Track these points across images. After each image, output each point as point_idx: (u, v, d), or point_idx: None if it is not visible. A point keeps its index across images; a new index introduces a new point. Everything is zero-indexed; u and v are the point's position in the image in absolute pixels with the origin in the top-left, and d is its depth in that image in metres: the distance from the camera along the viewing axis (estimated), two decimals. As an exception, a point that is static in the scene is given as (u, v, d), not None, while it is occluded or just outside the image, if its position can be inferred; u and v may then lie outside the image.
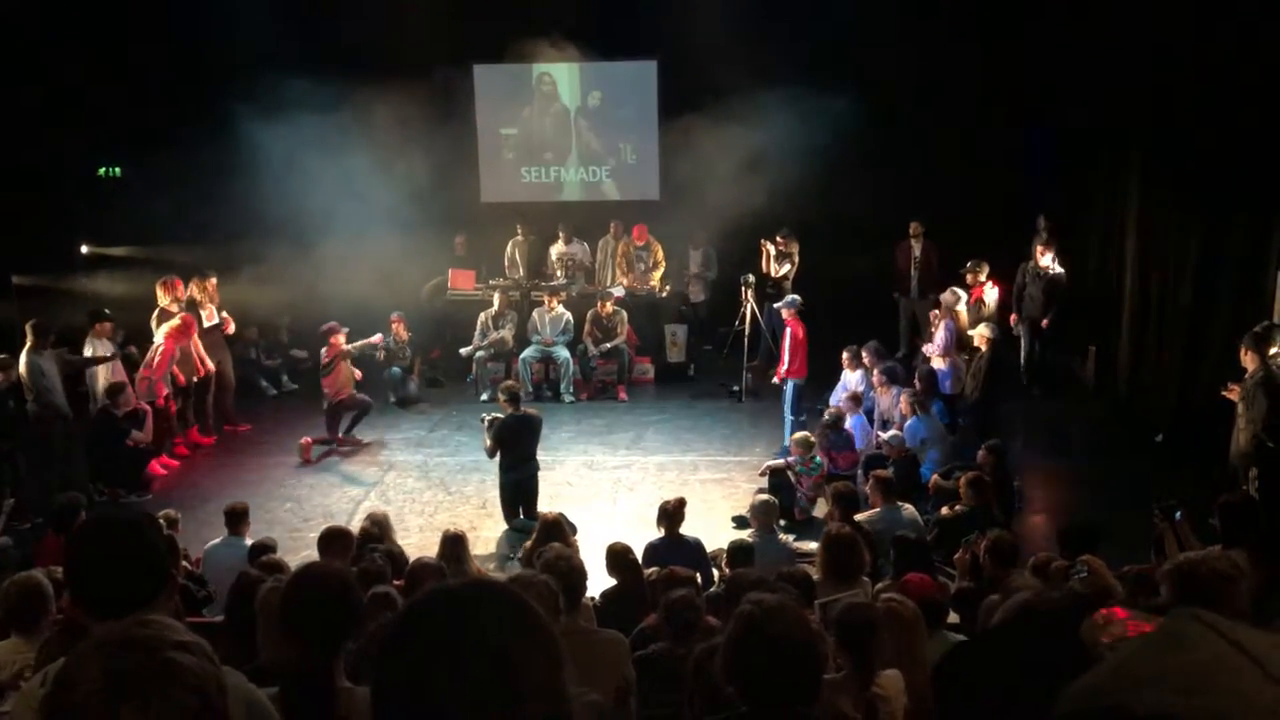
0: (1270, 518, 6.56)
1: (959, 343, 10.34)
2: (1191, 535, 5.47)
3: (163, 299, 10.25)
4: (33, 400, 9.08)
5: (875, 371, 10.21)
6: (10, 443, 8.97)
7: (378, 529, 6.86)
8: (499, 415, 8.81)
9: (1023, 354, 11.71)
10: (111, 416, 9.43)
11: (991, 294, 11.00)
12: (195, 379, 10.63)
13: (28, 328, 9.18)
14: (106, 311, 10.04)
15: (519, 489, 8.71)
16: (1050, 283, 11.38)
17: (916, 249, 12.69)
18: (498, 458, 8.78)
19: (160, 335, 10.04)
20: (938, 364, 10.29)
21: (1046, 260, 11.41)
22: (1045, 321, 11.43)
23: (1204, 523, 5.61)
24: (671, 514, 6.98)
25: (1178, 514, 5.54)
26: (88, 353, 9.80)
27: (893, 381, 10.13)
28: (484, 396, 11.97)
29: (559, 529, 6.66)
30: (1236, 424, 7.67)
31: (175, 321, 10.09)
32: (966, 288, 10.86)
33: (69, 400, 9.51)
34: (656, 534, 7.15)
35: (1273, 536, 5.08)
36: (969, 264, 11.14)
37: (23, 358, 9.05)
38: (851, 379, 10.40)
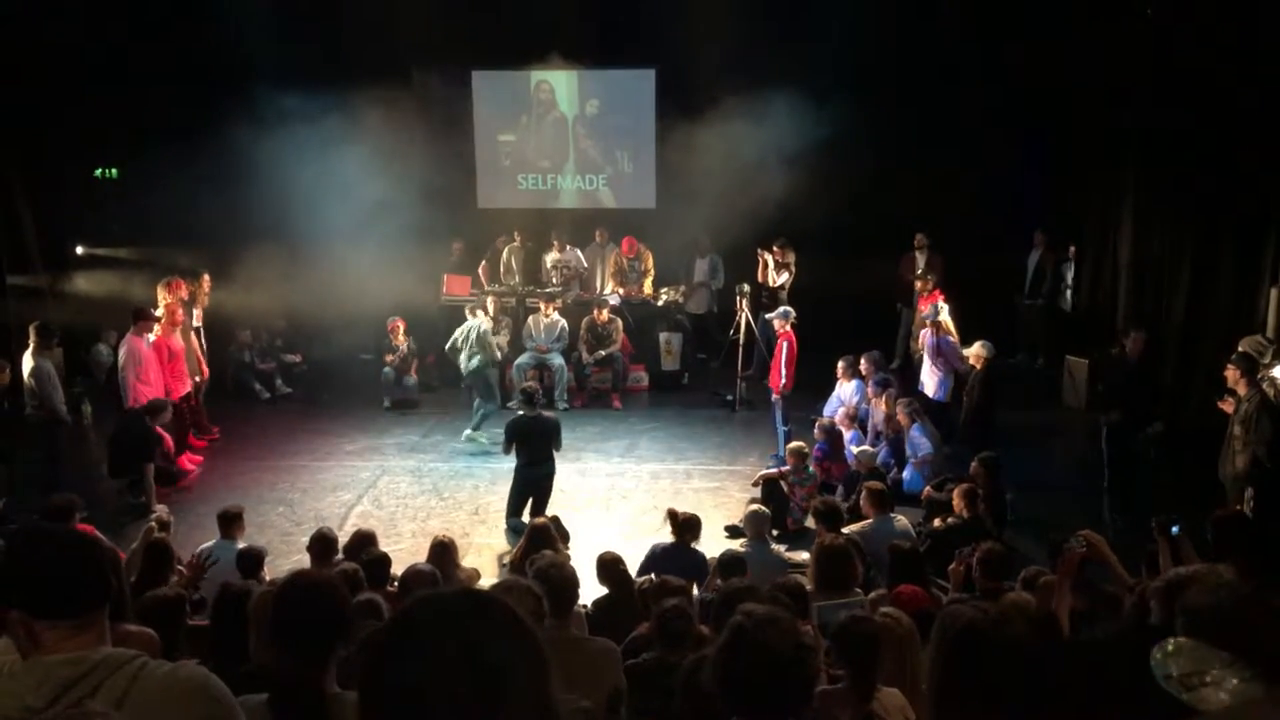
0: (1265, 536, 6.56)
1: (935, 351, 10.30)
2: (1192, 550, 5.46)
3: (164, 300, 10.22)
4: (35, 404, 9.01)
5: (869, 383, 10.24)
6: (7, 443, 8.90)
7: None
8: (524, 413, 8.85)
9: (1105, 466, 9.00)
10: (146, 427, 9.28)
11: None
12: (198, 379, 10.68)
13: (32, 330, 9.07)
14: (154, 311, 9.93)
15: (528, 487, 8.68)
16: (1142, 372, 9.09)
17: (921, 260, 12.73)
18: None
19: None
20: (929, 383, 10.27)
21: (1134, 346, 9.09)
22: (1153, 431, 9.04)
23: (1203, 538, 5.60)
24: (681, 523, 6.99)
25: (1175, 529, 5.53)
26: (124, 351, 9.67)
27: (884, 391, 10.17)
28: (478, 403, 11.95)
29: (547, 535, 6.66)
30: (1230, 445, 7.68)
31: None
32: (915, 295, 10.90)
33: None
34: (650, 541, 7.16)
35: (1266, 553, 5.08)
36: (917, 272, 11.19)
37: (29, 360, 8.98)
38: (846, 389, 10.41)
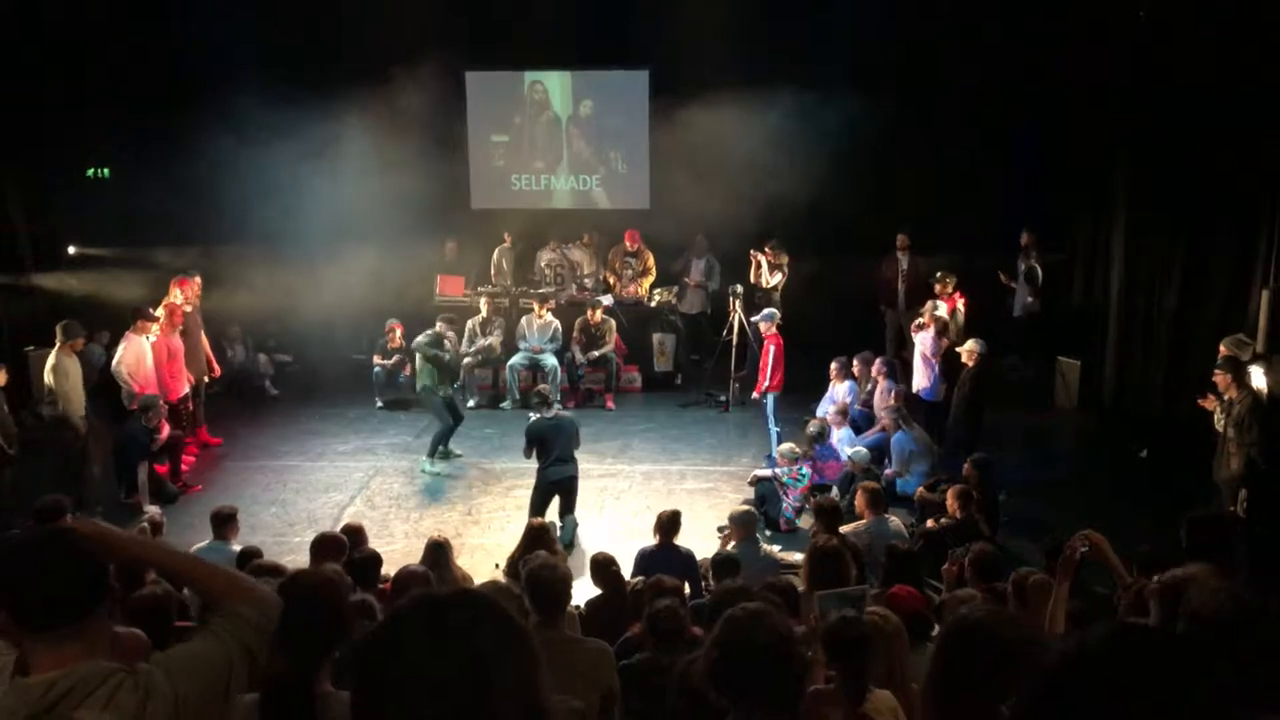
0: (1261, 538, 6.57)
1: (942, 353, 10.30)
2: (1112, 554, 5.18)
3: (175, 296, 10.18)
4: (49, 404, 8.97)
5: (877, 363, 10.38)
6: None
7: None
8: (544, 416, 8.76)
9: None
10: (143, 430, 9.26)
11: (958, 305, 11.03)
12: (207, 378, 10.66)
13: (58, 329, 9.10)
14: (152, 311, 9.89)
15: (551, 488, 8.61)
16: None
17: (904, 261, 12.72)
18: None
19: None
20: (920, 383, 10.28)
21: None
22: None
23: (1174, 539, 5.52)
24: (666, 524, 6.98)
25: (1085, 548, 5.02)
26: (122, 348, 9.68)
27: (890, 377, 10.25)
28: (470, 403, 11.94)
29: (545, 535, 6.66)
30: (1224, 448, 7.70)
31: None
32: (935, 298, 10.86)
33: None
34: (643, 542, 7.15)
35: (1264, 554, 5.10)
36: (938, 274, 11.15)
37: (51, 359, 8.95)
38: (839, 390, 10.42)
